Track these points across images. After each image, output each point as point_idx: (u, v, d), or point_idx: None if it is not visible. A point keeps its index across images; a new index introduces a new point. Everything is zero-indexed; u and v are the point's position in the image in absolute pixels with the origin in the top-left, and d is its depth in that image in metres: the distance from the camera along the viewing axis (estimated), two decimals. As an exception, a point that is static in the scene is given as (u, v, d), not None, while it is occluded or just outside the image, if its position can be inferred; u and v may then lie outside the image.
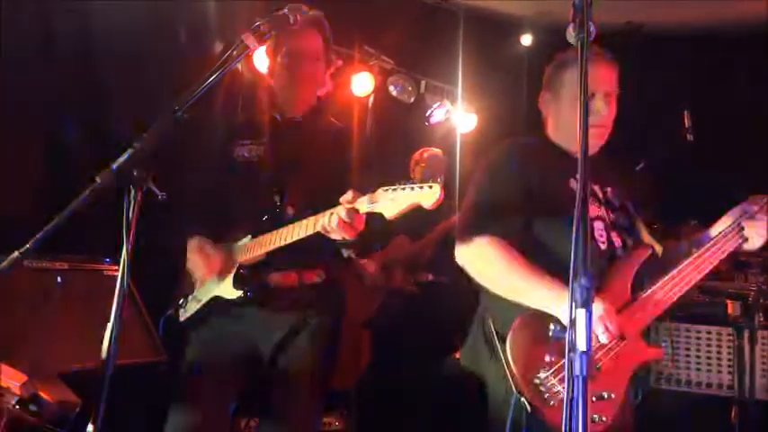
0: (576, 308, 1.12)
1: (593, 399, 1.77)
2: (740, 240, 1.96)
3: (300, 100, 2.21)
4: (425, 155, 3.90)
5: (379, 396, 3.45)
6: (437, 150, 3.98)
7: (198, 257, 2.11)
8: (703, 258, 1.94)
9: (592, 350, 1.74)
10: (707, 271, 1.95)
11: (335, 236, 1.87)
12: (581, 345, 1.09)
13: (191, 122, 1.68)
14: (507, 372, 1.76)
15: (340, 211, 1.83)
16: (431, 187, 1.72)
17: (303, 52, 2.17)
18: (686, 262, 1.93)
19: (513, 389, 1.74)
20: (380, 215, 1.80)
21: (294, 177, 2.12)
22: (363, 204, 1.81)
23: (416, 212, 1.78)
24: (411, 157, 3.95)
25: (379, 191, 1.79)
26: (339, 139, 2.22)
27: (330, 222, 1.84)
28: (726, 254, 1.96)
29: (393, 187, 1.78)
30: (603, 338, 1.76)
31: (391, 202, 1.76)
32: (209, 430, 2.02)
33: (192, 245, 2.14)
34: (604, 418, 1.77)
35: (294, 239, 1.96)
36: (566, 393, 1.07)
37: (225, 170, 2.20)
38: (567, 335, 1.15)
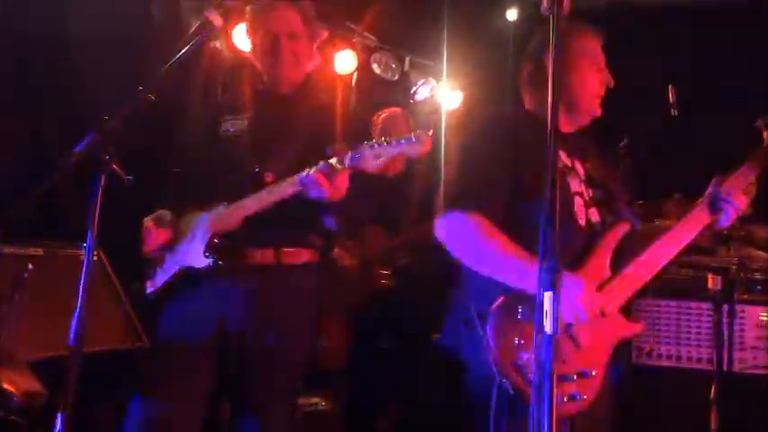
0: (542, 290, 1.11)
1: (575, 376, 1.76)
2: (713, 214, 1.95)
3: (285, 80, 2.18)
4: (381, 116, 3.77)
5: (365, 377, 3.46)
6: (395, 109, 3.83)
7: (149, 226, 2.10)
8: (679, 231, 1.94)
9: (572, 326, 1.75)
10: (685, 244, 1.94)
11: (315, 194, 1.82)
12: (547, 328, 1.08)
13: (161, 103, 1.65)
14: (489, 354, 1.75)
15: (320, 164, 1.79)
16: (417, 137, 1.69)
17: (280, 32, 2.11)
18: (664, 236, 1.92)
19: (495, 371, 1.73)
20: (366, 184, 1.75)
21: (276, 149, 2.09)
22: (347, 158, 1.78)
23: (393, 204, 1.75)
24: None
25: (364, 145, 1.76)
26: (325, 113, 2.18)
27: (310, 175, 1.79)
28: (701, 226, 1.95)
29: (378, 142, 1.75)
30: (583, 317, 1.76)
31: (374, 156, 1.73)
32: (181, 418, 1.97)
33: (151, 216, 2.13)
34: (585, 396, 1.77)
35: (271, 200, 1.92)
36: (534, 378, 1.07)
37: (210, 145, 2.17)
38: (535, 317, 1.14)
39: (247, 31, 2.23)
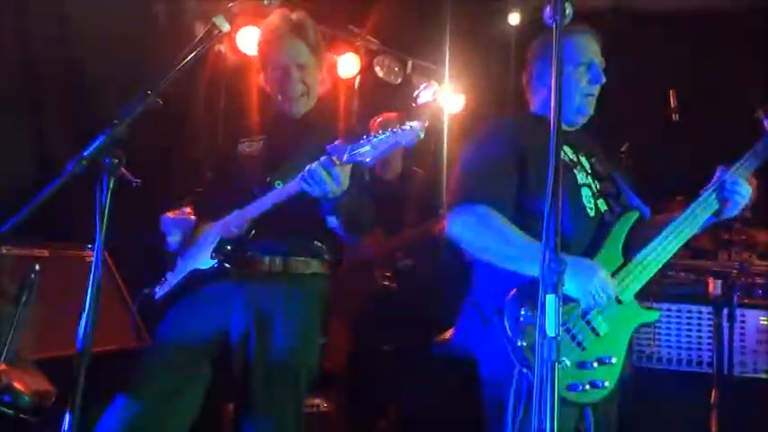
0: (545, 293, 1.13)
1: (595, 364, 1.78)
2: (720, 202, 1.96)
3: (297, 111, 2.23)
4: (377, 121, 3.79)
5: (366, 378, 3.47)
6: (390, 114, 3.82)
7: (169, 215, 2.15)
8: (689, 217, 1.95)
9: (589, 313, 1.76)
10: (695, 231, 1.96)
11: (317, 190, 1.87)
12: (549, 330, 1.10)
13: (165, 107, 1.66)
14: (507, 344, 1.76)
15: (322, 159, 1.85)
16: (411, 127, 1.73)
17: (290, 64, 2.17)
18: (675, 222, 1.94)
19: (514, 360, 1.74)
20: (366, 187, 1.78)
21: (287, 159, 2.12)
22: (345, 153, 1.84)
23: (393, 205, 1.79)
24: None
25: (362, 139, 1.83)
26: (332, 129, 2.20)
27: (312, 170, 1.85)
28: (710, 212, 1.96)
29: (375, 135, 1.82)
30: (600, 301, 1.78)
31: (371, 147, 1.80)
32: (162, 417, 1.96)
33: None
34: (606, 383, 1.78)
35: (276, 200, 1.97)
36: (535, 378, 1.08)
37: (228, 165, 2.24)
38: (538, 318, 1.16)
39: (258, 63, 2.30)
